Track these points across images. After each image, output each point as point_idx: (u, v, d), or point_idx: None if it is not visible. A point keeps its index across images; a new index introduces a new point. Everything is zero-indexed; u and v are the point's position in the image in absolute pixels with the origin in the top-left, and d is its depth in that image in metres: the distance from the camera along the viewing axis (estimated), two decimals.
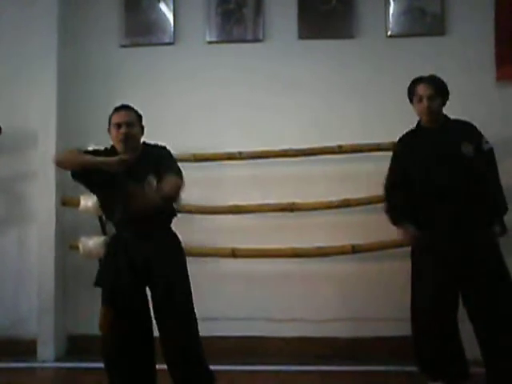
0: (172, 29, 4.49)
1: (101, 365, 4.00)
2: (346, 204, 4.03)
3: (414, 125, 3.26)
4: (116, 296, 2.70)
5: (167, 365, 2.77)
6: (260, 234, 4.13)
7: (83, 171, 2.68)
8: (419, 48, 4.26)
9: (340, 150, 3.97)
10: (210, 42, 4.48)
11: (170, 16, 4.50)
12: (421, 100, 3.14)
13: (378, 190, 4.03)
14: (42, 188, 4.36)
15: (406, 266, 4.08)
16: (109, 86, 4.49)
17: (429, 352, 3.14)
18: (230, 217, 4.08)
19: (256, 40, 4.43)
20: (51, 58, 4.39)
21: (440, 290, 3.08)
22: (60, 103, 4.40)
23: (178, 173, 2.75)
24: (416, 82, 3.20)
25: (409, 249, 4.04)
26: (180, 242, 2.90)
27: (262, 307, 4.09)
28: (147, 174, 2.73)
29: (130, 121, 2.81)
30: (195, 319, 2.81)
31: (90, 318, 4.35)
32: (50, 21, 4.40)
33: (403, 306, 4.06)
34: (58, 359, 4.24)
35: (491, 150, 3.16)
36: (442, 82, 3.21)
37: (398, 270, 4.08)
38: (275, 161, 4.14)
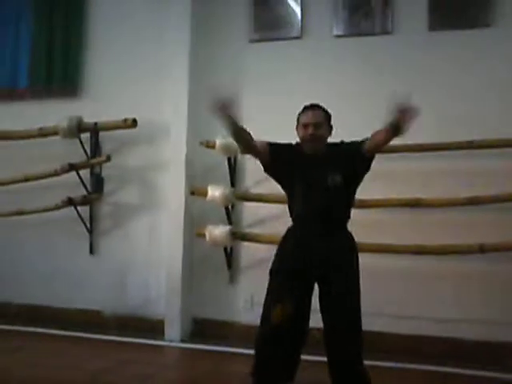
0: (300, 23, 4.54)
1: (222, 348, 4.20)
2: (475, 201, 3.86)
3: None
4: (291, 291, 2.70)
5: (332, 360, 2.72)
6: (383, 229, 4.06)
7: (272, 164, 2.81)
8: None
9: (470, 145, 3.81)
10: (337, 36, 4.46)
11: (297, 10, 4.55)
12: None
13: (510, 188, 3.84)
14: (173, 178, 4.60)
15: None
16: (238, 79, 4.61)
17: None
18: (353, 211, 4.05)
19: (385, 33, 4.35)
20: (184, 54, 4.61)
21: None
22: (191, 97, 4.60)
23: None
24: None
25: None
26: (355, 241, 2.85)
27: (384, 302, 4.03)
28: (331, 171, 2.75)
29: (317, 121, 2.80)
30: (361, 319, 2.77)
31: (214, 304, 4.58)
32: (183, 19, 4.63)
33: None
34: (183, 340, 4.47)
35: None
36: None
37: None
38: (400, 155, 4.02)
